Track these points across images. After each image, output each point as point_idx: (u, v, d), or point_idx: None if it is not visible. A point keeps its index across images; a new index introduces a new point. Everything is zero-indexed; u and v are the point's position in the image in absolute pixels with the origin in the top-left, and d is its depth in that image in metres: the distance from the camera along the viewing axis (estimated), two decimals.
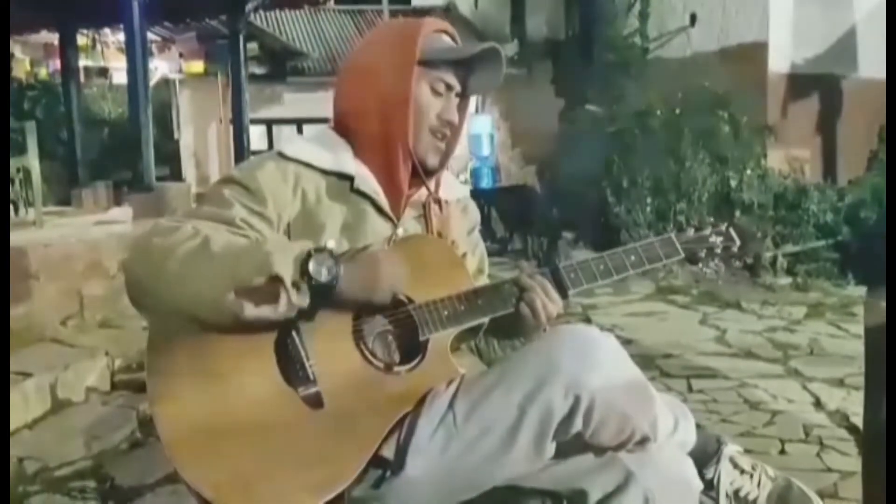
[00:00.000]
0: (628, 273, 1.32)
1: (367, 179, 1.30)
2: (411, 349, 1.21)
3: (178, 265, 1.07)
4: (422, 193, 1.35)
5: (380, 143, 1.29)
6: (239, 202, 1.20)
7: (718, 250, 1.40)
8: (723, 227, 1.42)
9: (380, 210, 1.30)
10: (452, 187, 1.44)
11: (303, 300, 1.08)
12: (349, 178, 1.29)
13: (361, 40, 1.38)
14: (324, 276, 1.08)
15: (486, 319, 1.27)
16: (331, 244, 1.22)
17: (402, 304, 1.23)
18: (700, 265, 1.41)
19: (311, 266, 1.07)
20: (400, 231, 1.31)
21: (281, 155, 1.28)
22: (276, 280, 1.05)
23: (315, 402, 1.13)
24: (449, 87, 1.31)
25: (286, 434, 1.11)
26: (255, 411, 1.11)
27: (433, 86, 1.29)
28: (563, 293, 1.28)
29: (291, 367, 1.14)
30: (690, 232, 1.41)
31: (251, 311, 1.06)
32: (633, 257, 1.32)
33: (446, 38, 1.33)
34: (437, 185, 1.38)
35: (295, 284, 1.06)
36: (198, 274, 1.06)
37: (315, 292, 1.08)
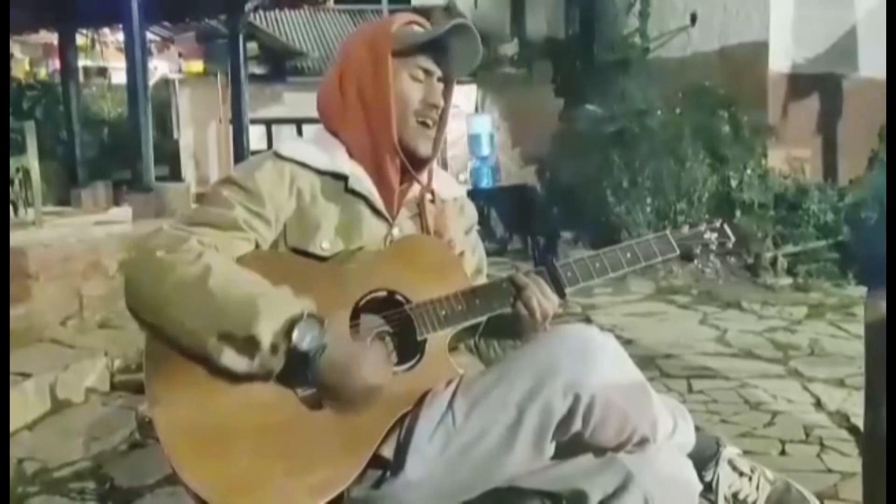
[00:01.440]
0: (624, 270, 1.33)
1: (362, 179, 1.30)
2: (409, 349, 1.21)
3: (172, 289, 1.09)
4: (416, 192, 1.35)
5: (367, 140, 1.29)
6: (240, 204, 1.21)
7: (713, 246, 1.41)
8: (717, 224, 1.43)
9: (375, 210, 1.30)
10: (448, 186, 1.44)
11: (276, 364, 1.08)
12: (343, 178, 1.29)
13: (341, 44, 1.40)
14: (306, 345, 1.08)
15: (483, 319, 1.27)
16: (325, 245, 1.22)
17: (400, 304, 1.22)
18: (696, 261, 1.41)
19: (296, 334, 1.07)
20: (395, 231, 1.31)
21: (277, 155, 1.29)
22: (254, 340, 1.05)
23: (313, 402, 1.13)
24: (428, 73, 1.31)
25: (285, 435, 1.10)
26: (253, 413, 1.10)
27: (412, 73, 1.29)
28: (559, 292, 1.28)
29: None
30: (685, 228, 1.42)
31: (228, 359, 1.07)
32: (628, 254, 1.33)
33: (419, 30, 1.34)
34: (430, 178, 1.37)
35: (274, 347, 1.07)
36: (188, 306, 1.08)
37: (293, 357, 1.08)
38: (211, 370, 1.11)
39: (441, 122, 1.33)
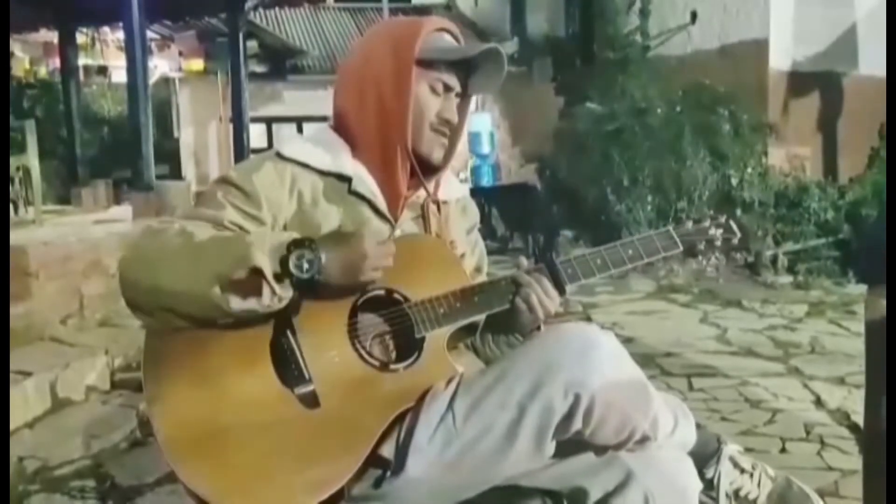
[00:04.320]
0: (626, 267, 1.31)
1: (366, 181, 1.29)
2: (408, 347, 1.21)
3: (165, 264, 1.08)
4: (420, 195, 1.34)
5: (378, 143, 1.28)
6: (231, 204, 1.20)
7: (718, 242, 1.38)
8: (722, 219, 1.41)
9: (377, 212, 1.29)
10: (452, 187, 1.43)
11: (286, 291, 1.08)
12: (347, 180, 1.28)
13: (361, 39, 1.37)
14: (304, 271, 1.08)
15: (482, 316, 1.27)
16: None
17: (399, 302, 1.22)
18: (700, 258, 1.39)
19: (291, 262, 1.07)
20: (397, 233, 1.31)
21: (279, 155, 1.27)
22: (258, 273, 1.05)
23: (311, 401, 1.13)
24: (448, 88, 1.29)
25: (282, 433, 1.10)
26: (250, 411, 1.11)
27: (432, 85, 1.28)
28: (560, 289, 1.27)
29: (287, 366, 1.14)
30: (689, 224, 1.39)
31: (237, 304, 1.06)
32: (630, 251, 1.32)
33: (447, 37, 1.32)
34: (437, 187, 1.36)
35: (277, 276, 1.06)
36: (183, 269, 1.07)
37: (299, 283, 1.08)
38: (208, 369, 1.11)
39: (454, 136, 1.32)
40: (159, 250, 1.10)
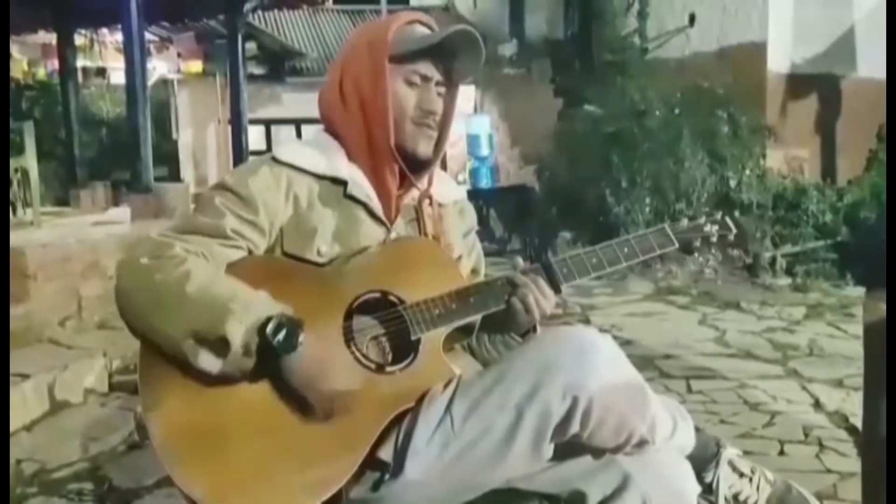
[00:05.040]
0: (622, 265, 1.31)
1: (361, 184, 1.29)
2: (404, 349, 1.21)
3: (152, 294, 1.10)
4: (414, 196, 1.34)
5: (365, 143, 1.28)
6: (230, 211, 1.20)
7: (714, 238, 1.38)
8: (717, 216, 1.41)
9: (373, 215, 1.29)
10: (448, 189, 1.43)
11: (247, 364, 1.07)
12: (342, 183, 1.28)
13: (345, 42, 1.38)
14: (276, 340, 1.06)
15: (478, 317, 1.27)
16: (322, 250, 1.22)
17: (394, 304, 1.22)
18: (696, 255, 1.40)
19: (270, 324, 1.06)
20: (392, 236, 1.30)
21: (274, 160, 1.27)
22: (225, 340, 1.05)
23: (307, 404, 1.12)
24: (426, 78, 1.28)
25: (279, 437, 1.10)
26: (247, 415, 1.10)
27: (408, 79, 1.27)
28: (556, 288, 1.27)
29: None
30: (684, 221, 1.40)
31: (203, 361, 1.06)
32: (626, 249, 1.32)
33: (420, 28, 1.31)
34: (430, 183, 1.36)
35: (246, 347, 1.06)
36: (165, 309, 1.08)
37: (266, 355, 1.07)
38: (203, 374, 1.11)
39: (443, 125, 1.31)
40: (151, 275, 1.10)
